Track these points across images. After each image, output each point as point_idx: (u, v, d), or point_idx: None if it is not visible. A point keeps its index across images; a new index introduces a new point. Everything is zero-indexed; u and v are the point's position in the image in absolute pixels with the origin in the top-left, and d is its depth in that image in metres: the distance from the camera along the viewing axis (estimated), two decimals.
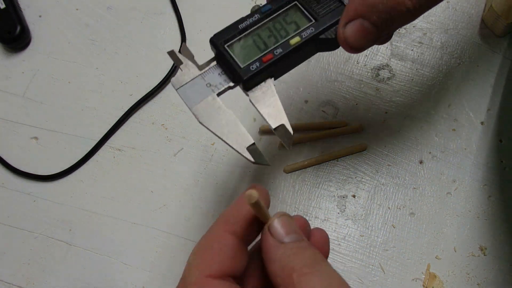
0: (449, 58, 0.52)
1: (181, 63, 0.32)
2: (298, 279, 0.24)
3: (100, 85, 0.53)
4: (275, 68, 0.32)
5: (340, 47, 0.32)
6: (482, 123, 0.50)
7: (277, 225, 0.27)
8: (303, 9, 0.33)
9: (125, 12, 0.57)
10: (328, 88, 0.52)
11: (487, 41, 0.53)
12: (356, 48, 0.31)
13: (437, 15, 0.54)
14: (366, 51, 0.50)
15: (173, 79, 0.31)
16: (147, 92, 0.52)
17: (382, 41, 0.32)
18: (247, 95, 0.31)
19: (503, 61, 0.52)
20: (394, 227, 0.47)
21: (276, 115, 0.30)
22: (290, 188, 0.48)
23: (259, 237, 0.29)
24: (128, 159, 0.50)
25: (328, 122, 0.50)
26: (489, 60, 0.52)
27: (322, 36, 0.32)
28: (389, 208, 0.47)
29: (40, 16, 0.57)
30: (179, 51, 0.32)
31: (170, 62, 0.54)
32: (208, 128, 0.30)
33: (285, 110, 0.50)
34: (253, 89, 0.31)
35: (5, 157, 0.51)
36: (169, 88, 0.53)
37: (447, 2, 0.55)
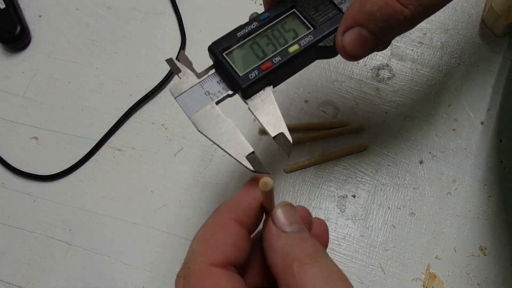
0: (449, 58, 0.52)
1: (180, 71, 0.32)
2: (298, 270, 0.25)
3: (100, 85, 0.53)
4: (274, 76, 0.32)
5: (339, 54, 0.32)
6: (482, 123, 0.50)
7: (280, 214, 0.27)
8: (301, 17, 0.33)
9: (125, 12, 0.57)
10: (328, 88, 0.52)
11: (487, 41, 0.53)
12: (354, 56, 0.31)
13: (437, 15, 0.54)
14: None
15: (171, 87, 0.31)
16: (147, 92, 0.52)
17: (380, 49, 0.32)
18: (246, 103, 0.31)
19: (503, 61, 0.52)
20: (394, 227, 0.47)
21: (275, 123, 0.30)
22: (290, 188, 0.48)
23: (260, 227, 0.29)
24: (128, 159, 0.50)
25: (328, 122, 0.50)
26: (489, 60, 0.52)
27: (321, 44, 0.32)
28: (389, 208, 0.47)
29: (40, 16, 0.57)
30: (177, 58, 0.32)
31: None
32: (207, 137, 0.30)
33: (285, 110, 0.51)
34: (252, 97, 0.31)
35: (5, 157, 0.51)
36: (169, 88, 0.53)
37: None
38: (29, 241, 0.48)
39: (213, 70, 0.32)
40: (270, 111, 0.31)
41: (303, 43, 0.32)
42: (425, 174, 0.48)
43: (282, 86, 0.41)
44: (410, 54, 0.53)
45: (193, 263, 0.27)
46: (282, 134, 0.30)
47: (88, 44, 0.55)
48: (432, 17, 0.54)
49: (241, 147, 0.29)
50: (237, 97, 0.33)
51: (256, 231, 0.30)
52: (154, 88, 0.52)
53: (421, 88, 0.51)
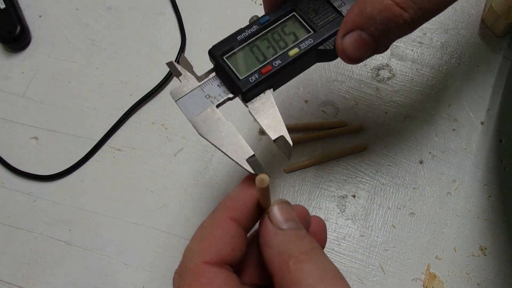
0: (449, 58, 0.52)
1: (180, 74, 0.32)
2: (294, 266, 0.25)
3: (100, 85, 0.53)
4: (274, 79, 0.32)
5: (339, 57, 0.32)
6: (482, 123, 0.50)
7: (276, 211, 0.28)
8: (301, 20, 0.33)
9: (125, 12, 0.57)
10: (328, 88, 0.52)
11: (487, 41, 0.53)
12: (354, 59, 0.31)
13: (437, 15, 0.54)
14: None
15: (172, 91, 0.31)
16: (147, 92, 0.52)
17: (380, 51, 0.32)
18: (247, 106, 0.31)
19: (503, 61, 0.52)
20: (394, 227, 0.47)
21: (275, 126, 0.30)
22: (290, 188, 0.48)
23: (256, 226, 0.29)
24: (128, 159, 0.50)
25: (328, 122, 0.50)
26: (489, 60, 0.52)
27: (321, 47, 0.32)
28: (389, 208, 0.47)
29: (40, 16, 0.57)
30: (176, 60, 0.32)
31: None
32: (208, 140, 0.30)
33: (285, 110, 0.51)
34: (253, 101, 0.31)
35: (5, 157, 0.51)
36: (169, 88, 0.53)
37: None
38: (29, 241, 0.48)
39: (213, 74, 0.32)
40: (270, 114, 0.31)
41: (303, 46, 0.32)
42: (425, 174, 0.48)
43: (282, 86, 0.41)
44: (410, 54, 0.53)
45: (189, 261, 0.27)
46: (282, 137, 0.30)
47: (88, 44, 0.55)
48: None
49: (242, 150, 0.29)
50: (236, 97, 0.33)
51: (252, 230, 0.30)
52: (154, 88, 0.52)
53: (421, 88, 0.51)
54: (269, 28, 0.33)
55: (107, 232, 0.47)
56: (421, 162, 0.49)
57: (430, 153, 0.49)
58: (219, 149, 0.29)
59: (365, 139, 0.49)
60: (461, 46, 0.53)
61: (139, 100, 0.52)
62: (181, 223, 0.48)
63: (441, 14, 0.55)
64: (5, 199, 0.49)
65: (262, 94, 0.31)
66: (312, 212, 0.47)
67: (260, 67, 0.31)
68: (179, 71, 0.32)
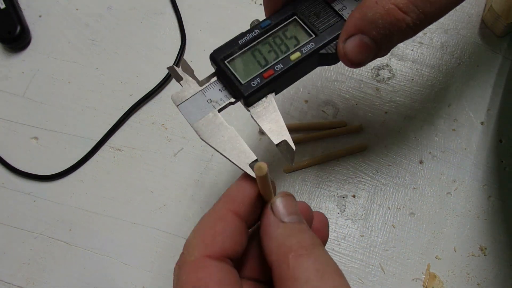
0: (449, 58, 0.52)
1: (181, 78, 0.32)
2: (293, 260, 0.25)
3: (100, 85, 0.53)
4: (276, 83, 0.32)
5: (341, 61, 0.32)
6: (482, 123, 0.50)
7: (279, 204, 0.28)
8: (302, 24, 0.33)
9: (125, 12, 0.57)
10: (328, 88, 0.52)
11: (487, 41, 0.53)
12: (356, 63, 0.31)
13: None
14: None
15: (173, 96, 0.31)
16: (147, 92, 0.52)
17: (381, 55, 0.32)
18: (249, 110, 0.31)
19: (503, 61, 0.52)
20: (394, 227, 0.47)
21: (278, 131, 0.30)
22: (290, 188, 0.48)
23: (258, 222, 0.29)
24: (128, 159, 0.50)
25: (328, 122, 0.50)
26: (489, 60, 0.52)
27: (323, 51, 0.32)
28: (389, 208, 0.47)
29: (40, 16, 0.57)
30: (176, 61, 0.32)
31: (170, 63, 0.54)
32: (209, 145, 0.30)
33: (285, 110, 0.51)
34: (254, 105, 0.31)
35: (5, 157, 0.51)
36: (169, 88, 0.53)
37: None
38: (29, 241, 0.48)
39: (215, 78, 0.32)
40: (272, 119, 0.31)
41: (305, 50, 0.32)
42: (425, 174, 0.48)
43: (283, 90, 0.41)
44: (410, 54, 0.53)
45: (190, 254, 0.27)
46: (285, 141, 0.30)
47: (88, 44, 0.55)
48: None
49: (244, 155, 0.29)
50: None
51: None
52: (154, 88, 0.52)
53: (421, 88, 0.51)
54: (271, 32, 0.33)
55: (107, 232, 0.47)
56: (421, 162, 0.49)
57: (430, 153, 0.49)
58: (221, 154, 0.29)
59: (365, 139, 0.49)
60: (461, 46, 0.53)
61: (139, 100, 0.52)
62: (181, 223, 0.48)
63: None
64: (5, 199, 0.49)
65: (264, 99, 0.31)
66: None
67: (262, 71, 0.31)
68: (180, 76, 0.32)
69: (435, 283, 0.44)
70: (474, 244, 0.46)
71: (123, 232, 0.47)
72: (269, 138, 0.30)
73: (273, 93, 0.32)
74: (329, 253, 0.46)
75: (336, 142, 0.49)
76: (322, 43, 0.32)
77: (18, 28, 0.54)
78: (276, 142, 0.30)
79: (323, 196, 0.48)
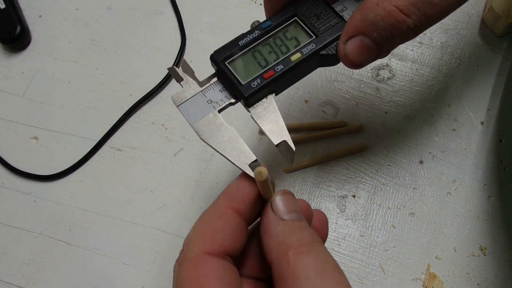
0: (449, 58, 0.52)
1: (182, 79, 0.32)
2: (293, 257, 0.25)
3: (100, 85, 0.53)
4: (276, 84, 0.32)
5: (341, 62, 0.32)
6: (482, 123, 0.50)
7: (279, 202, 0.28)
8: (303, 25, 0.33)
9: (125, 12, 0.57)
10: (328, 88, 0.52)
11: (487, 41, 0.53)
12: (356, 64, 0.31)
13: None
14: None
15: (173, 96, 0.31)
16: (147, 92, 0.52)
17: (382, 56, 0.32)
18: (249, 111, 0.31)
19: (503, 61, 0.52)
20: (394, 227, 0.47)
21: (278, 131, 0.30)
22: (290, 188, 0.48)
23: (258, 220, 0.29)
24: (128, 159, 0.50)
25: (328, 122, 0.50)
26: (489, 60, 0.52)
27: (323, 52, 0.32)
28: (389, 208, 0.47)
29: (40, 16, 0.57)
30: (176, 62, 0.32)
31: (170, 63, 0.54)
32: (209, 145, 0.30)
33: (285, 110, 0.51)
34: (255, 106, 0.31)
35: (5, 157, 0.51)
36: (169, 88, 0.53)
37: None
38: (29, 241, 0.48)
39: (215, 79, 0.32)
40: (273, 119, 0.31)
41: (305, 51, 0.32)
42: (425, 174, 0.48)
43: (284, 91, 0.41)
44: (410, 54, 0.53)
45: (190, 251, 0.27)
46: (285, 142, 0.30)
47: (88, 44, 0.55)
48: None
49: (244, 155, 0.29)
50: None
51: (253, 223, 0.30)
52: (154, 88, 0.52)
53: (421, 88, 0.51)
54: (271, 33, 0.33)
55: (107, 232, 0.47)
56: (421, 162, 0.49)
57: (430, 153, 0.49)
58: (221, 154, 0.30)
59: (365, 139, 0.49)
60: (461, 46, 0.53)
61: (139, 100, 0.52)
62: (181, 223, 0.48)
63: None
64: (5, 199, 0.49)
65: (264, 99, 0.31)
66: None
67: (262, 72, 0.31)
68: (181, 76, 0.32)
69: (435, 283, 0.44)
70: (474, 244, 0.46)
71: (123, 232, 0.47)
72: (269, 138, 0.30)
73: (273, 94, 0.32)
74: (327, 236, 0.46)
75: (336, 142, 0.49)
76: (323, 44, 0.32)
77: (18, 28, 0.54)
78: (276, 143, 0.30)
79: (323, 196, 0.48)
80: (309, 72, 0.34)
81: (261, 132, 0.50)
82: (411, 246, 0.46)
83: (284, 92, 0.52)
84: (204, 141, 0.30)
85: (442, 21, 0.54)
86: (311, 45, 0.32)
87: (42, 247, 0.47)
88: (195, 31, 0.55)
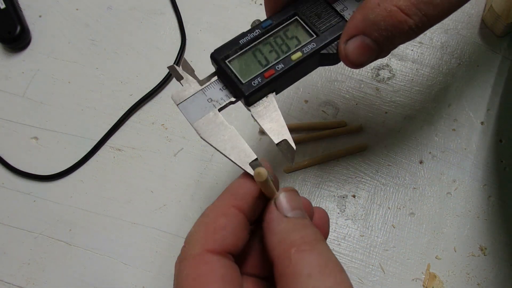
0: (449, 58, 0.52)
1: (182, 78, 0.32)
2: (296, 255, 0.25)
3: (100, 85, 0.53)
4: (277, 83, 0.32)
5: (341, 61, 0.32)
6: (482, 123, 0.50)
7: (283, 199, 0.28)
8: (304, 24, 0.33)
9: (125, 12, 0.57)
10: (328, 88, 0.52)
11: (487, 41, 0.53)
12: (357, 64, 0.31)
13: None
14: None
15: (174, 95, 0.31)
16: (147, 92, 0.52)
17: (382, 56, 0.32)
18: (249, 110, 0.31)
19: (503, 61, 0.52)
20: (394, 227, 0.47)
21: (278, 130, 0.30)
22: None
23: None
24: (128, 159, 0.50)
25: (328, 122, 0.50)
26: (489, 60, 0.52)
27: (324, 51, 0.32)
28: (389, 208, 0.47)
29: (40, 16, 0.57)
30: (176, 61, 0.32)
31: (170, 63, 0.54)
32: (210, 144, 0.30)
33: (285, 110, 0.51)
34: (255, 104, 0.31)
35: (5, 157, 0.51)
36: (169, 88, 0.53)
37: None
38: (29, 241, 0.48)
39: (215, 77, 0.32)
40: (273, 118, 0.31)
41: (306, 50, 0.32)
42: (425, 174, 0.48)
43: (284, 90, 0.41)
44: (410, 54, 0.53)
45: (191, 248, 0.27)
46: (285, 141, 0.30)
47: (88, 44, 0.55)
48: None
49: (245, 154, 0.29)
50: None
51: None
52: (154, 88, 0.52)
53: (421, 88, 0.51)
54: (272, 32, 0.33)
55: (107, 232, 0.47)
56: (421, 162, 0.49)
57: (430, 153, 0.49)
58: (221, 153, 0.29)
59: (365, 139, 0.49)
60: (461, 46, 0.53)
61: (139, 100, 0.52)
62: (181, 223, 0.48)
63: None
64: (5, 199, 0.49)
65: (265, 98, 0.31)
66: None
67: (263, 71, 0.31)
68: (181, 75, 0.32)
69: (435, 283, 0.44)
70: (474, 244, 0.46)
71: (123, 232, 0.47)
72: (269, 137, 0.30)
73: (274, 93, 0.32)
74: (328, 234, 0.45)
75: (336, 142, 0.49)
76: (323, 44, 0.32)
77: (18, 28, 0.54)
78: (276, 142, 0.30)
79: (323, 196, 0.48)
80: (310, 71, 0.34)
81: (261, 132, 0.50)
82: (411, 246, 0.46)
83: (284, 92, 0.52)
84: (204, 140, 0.30)
85: (442, 21, 0.54)
86: (311, 44, 0.32)
87: (42, 247, 0.47)
88: (195, 31, 0.55)
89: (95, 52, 0.55)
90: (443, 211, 0.47)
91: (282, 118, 0.31)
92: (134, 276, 0.46)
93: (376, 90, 0.51)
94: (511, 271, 0.45)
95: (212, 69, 0.33)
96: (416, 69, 0.52)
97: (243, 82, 0.31)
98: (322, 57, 0.33)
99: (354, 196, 0.48)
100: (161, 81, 0.52)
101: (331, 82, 0.52)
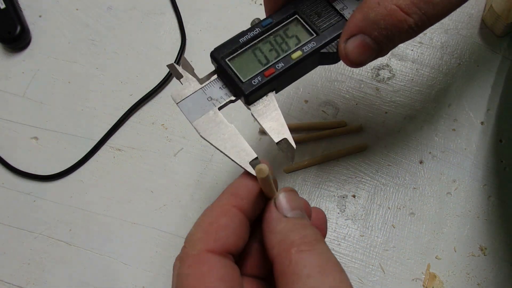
0: (449, 58, 0.52)
1: (181, 76, 0.32)
2: (296, 255, 0.25)
3: (100, 85, 0.53)
4: (277, 82, 0.32)
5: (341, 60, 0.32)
6: (482, 123, 0.50)
7: (283, 199, 0.28)
8: (304, 23, 0.33)
9: (125, 12, 0.57)
10: (328, 88, 0.52)
11: (487, 41, 0.53)
12: (357, 63, 0.31)
13: None
14: None
15: (173, 93, 0.31)
16: (147, 92, 0.52)
17: (382, 55, 0.32)
18: (249, 109, 0.31)
19: (503, 61, 0.52)
20: (394, 227, 0.47)
21: (278, 129, 0.30)
22: None
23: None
24: (128, 159, 0.50)
25: (328, 122, 0.50)
26: (489, 60, 0.52)
27: (324, 50, 0.32)
28: (389, 208, 0.47)
29: (40, 16, 0.57)
30: (176, 61, 0.32)
31: (170, 63, 0.54)
32: (210, 143, 0.30)
33: (285, 110, 0.51)
34: (255, 103, 0.31)
35: (5, 157, 0.51)
36: (169, 88, 0.53)
37: None
38: (29, 241, 0.48)
39: (215, 76, 0.32)
40: (273, 117, 0.31)
41: (306, 49, 0.32)
42: (425, 174, 0.48)
43: (284, 88, 0.41)
44: (410, 54, 0.53)
45: (192, 248, 0.27)
46: (285, 139, 0.30)
47: (88, 44, 0.55)
48: None
49: (245, 153, 0.29)
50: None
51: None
52: (154, 88, 0.52)
53: (421, 88, 0.51)
54: (272, 31, 0.33)
55: (107, 232, 0.47)
56: (421, 162, 0.49)
57: (430, 153, 0.49)
58: (221, 152, 0.29)
59: (365, 139, 0.49)
60: (461, 46, 0.53)
61: (139, 100, 0.52)
62: (181, 223, 0.48)
63: None
64: (5, 199, 0.49)
65: (265, 97, 0.31)
66: None
67: (263, 70, 0.31)
68: (180, 73, 0.32)
69: (435, 283, 0.44)
70: (474, 244, 0.46)
71: (123, 232, 0.47)
72: (269, 137, 0.30)
73: (274, 92, 0.32)
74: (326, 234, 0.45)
75: (336, 142, 0.49)
76: (323, 42, 0.32)
77: (18, 28, 0.54)
78: (276, 140, 0.30)
79: (323, 196, 0.48)
80: (310, 70, 0.34)
81: (261, 132, 0.50)
82: (411, 246, 0.46)
83: (284, 92, 0.52)
84: (204, 139, 0.30)
85: (442, 21, 0.54)
86: (311, 43, 0.32)
87: (42, 247, 0.47)
88: (195, 31, 0.55)
89: (95, 52, 0.55)
90: (443, 211, 0.47)
91: (282, 117, 0.31)
92: (134, 276, 0.46)
93: (376, 90, 0.51)
94: (511, 271, 0.45)
95: (212, 68, 0.33)
96: (416, 69, 0.52)
97: (243, 80, 0.31)
98: (322, 56, 0.33)
99: (354, 196, 0.48)
100: (161, 81, 0.52)
101: (331, 82, 0.52)
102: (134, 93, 0.53)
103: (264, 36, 0.33)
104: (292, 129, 0.50)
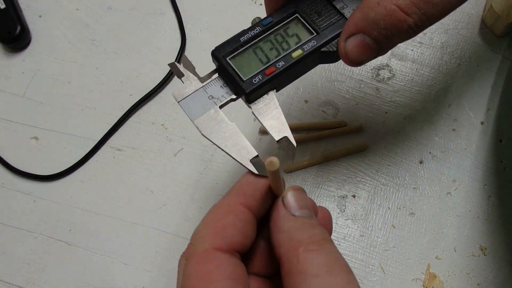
0: (449, 58, 0.52)
1: (183, 75, 0.32)
2: (304, 254, 0.25)
3: (100, 85, 0.53)
4: (278, 80, 0.32)
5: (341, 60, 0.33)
6: (482, 123, 0.50)
7: (291, 197, 0.28)
8: (304, 22, 0.33)
9: (125, 12, 0.57)
10: (328, 88, 0.52)
11: (487, 41, 0.53)
12: (356, 62, 0.31)
13: None
14: None
15: (174, 92, 0.31)
16: (147, 92, 0.52)
17: (381, 54, 0.32)
18: (250, 107, 0.31)
19: (503, 61, 0.52)
20: (394, 227, 0.47)
21: (279, 127, 0.30)
22: None
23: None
24: (128, 159, 0.50)
25: (328, 122, 0.50)
26: (489, 60, 0.52)
27: (324, 49, 0.32)
28: (389, 208, 0.47)
29: (40, 16, 0.57)
30: (176, 61, 0.32)
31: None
32: (211, 141, 0.30)
33: (285, 110, 0.51)
34: (256, 102, 0.31)
35: (5, 157, 0.51)
36: (169, 88, 0.53)
37: None
38: (29, 241, 0.48)
39: (216, 75, 0.32)
40: (274, 116, 0.31)
41: (306, 48, 0.32)
42: (425, 174, 0.48)
43: (285, 87, 0.41)
44: (410, 54, 0.53)
45: (199, 246, 0.26)
46: (286, 138, 0.30)
47: (88, 44, 0.55)
48: None
49: (246, 151, 0.29)
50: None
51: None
52: (154, 88, 0.52)
53: (421, 88, 0.51)
54: (272, 30, 0.33)
55: (107, 232, 0.47)
56: (421, 162, 0.49)
57: (430, 153, 0.49)
58: (222, 150, 0.30)
59: (365, 139, 0.49)
60: (461, 46, 0.53)
61: (139, 100, 0.52)
62: (181, 223, 0.48)
63: None
64: (5, 199, 0.49)
65: (266, 95, 0.32)
66: None
67: (264, 69, 0.31)
68: (182, 72, 0.32)
69: (435, 283, 0.44)
70: (474, 244, 0.46)
71: (123, 232, 0.47)
72: (269, 137, 0.30)
73: (275, 90, 0.32)
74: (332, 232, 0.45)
75: (336, 142, 0.49)
76: (324, 41, 0.32)
77: (18, 28, 0.54)
78: (277, 139, 0.30)
79: (323, 196, 0.48)
80: (310, 69, 0.34)
81: (261, 132, 0.50)
82: (411, 246, 0.46)
83: (284, 92, 0.52)
84: (205, 137, 0.30)
85: (442, 21, 0.54)
86: (312, 42, 0.32)
87: (42, 247, 0.47)
88: (195, 31, 0.55)
89: (95, 52, 0.55)
90: (443, 211, 0.47)
91: (282, 115, 0.31)
92: (134, 276, 0.46)
93: (376, 90, 0.51)
94: (511, 271, 0.45)
95: (212, 68, 0.33)
96: (416, 69, 0.52)
97: (244, 79, 0.31)
98: (323, 55, 0.33)
99: (354, 196, 0.48)
100: (161, 81, 0.52)
101: (331, 82, 0.52)
102: (134, 93, 0.53)
103: (264, 35, 0.33)
104: (292, 129, 0.49)
